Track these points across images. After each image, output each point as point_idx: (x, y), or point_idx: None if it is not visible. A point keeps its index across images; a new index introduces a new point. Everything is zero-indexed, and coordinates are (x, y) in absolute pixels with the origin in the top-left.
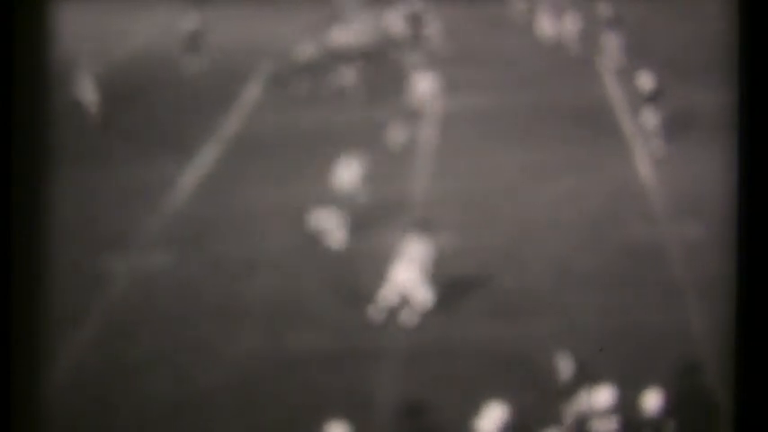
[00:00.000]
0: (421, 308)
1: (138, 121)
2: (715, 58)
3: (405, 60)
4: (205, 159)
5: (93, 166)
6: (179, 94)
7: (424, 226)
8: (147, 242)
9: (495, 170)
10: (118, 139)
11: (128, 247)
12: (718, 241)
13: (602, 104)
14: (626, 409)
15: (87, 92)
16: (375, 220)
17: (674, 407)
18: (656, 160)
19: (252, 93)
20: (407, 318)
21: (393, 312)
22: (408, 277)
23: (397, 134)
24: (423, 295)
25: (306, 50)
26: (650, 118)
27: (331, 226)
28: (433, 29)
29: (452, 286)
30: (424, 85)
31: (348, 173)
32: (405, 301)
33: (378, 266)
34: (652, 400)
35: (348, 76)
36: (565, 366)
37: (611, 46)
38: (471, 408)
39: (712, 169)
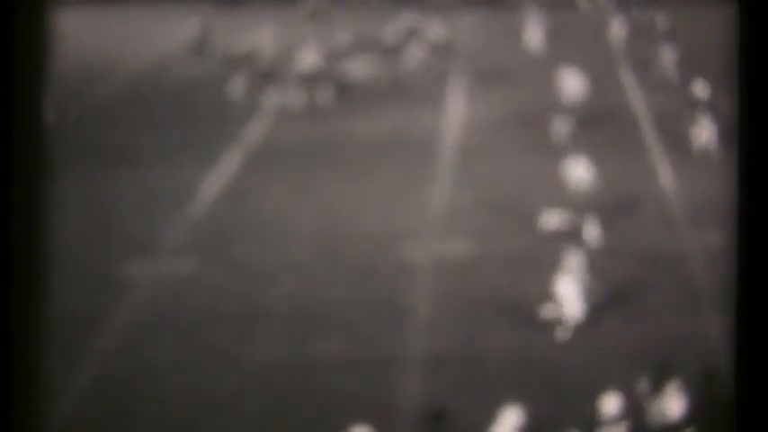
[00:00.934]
0: (575, 322)
1: (154, 125)
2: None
3: (436, 67)
4: (228, 166)
5: (112, 170)
6: (185, 99)
7: (579, 239)
8: (169, 248)
9: None
10: (139, 142)
11: (151, 253)
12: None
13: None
14: (645, 415)
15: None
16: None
17: (693, 413)
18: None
19: (275, 100)
20: (562, 333)
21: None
22: (567, 291)
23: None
24: (577, 309)
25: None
26: (704, 127)
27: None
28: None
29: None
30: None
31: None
32: (562, 315)
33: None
34: (674, 406)
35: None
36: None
37: (661, 57)
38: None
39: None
